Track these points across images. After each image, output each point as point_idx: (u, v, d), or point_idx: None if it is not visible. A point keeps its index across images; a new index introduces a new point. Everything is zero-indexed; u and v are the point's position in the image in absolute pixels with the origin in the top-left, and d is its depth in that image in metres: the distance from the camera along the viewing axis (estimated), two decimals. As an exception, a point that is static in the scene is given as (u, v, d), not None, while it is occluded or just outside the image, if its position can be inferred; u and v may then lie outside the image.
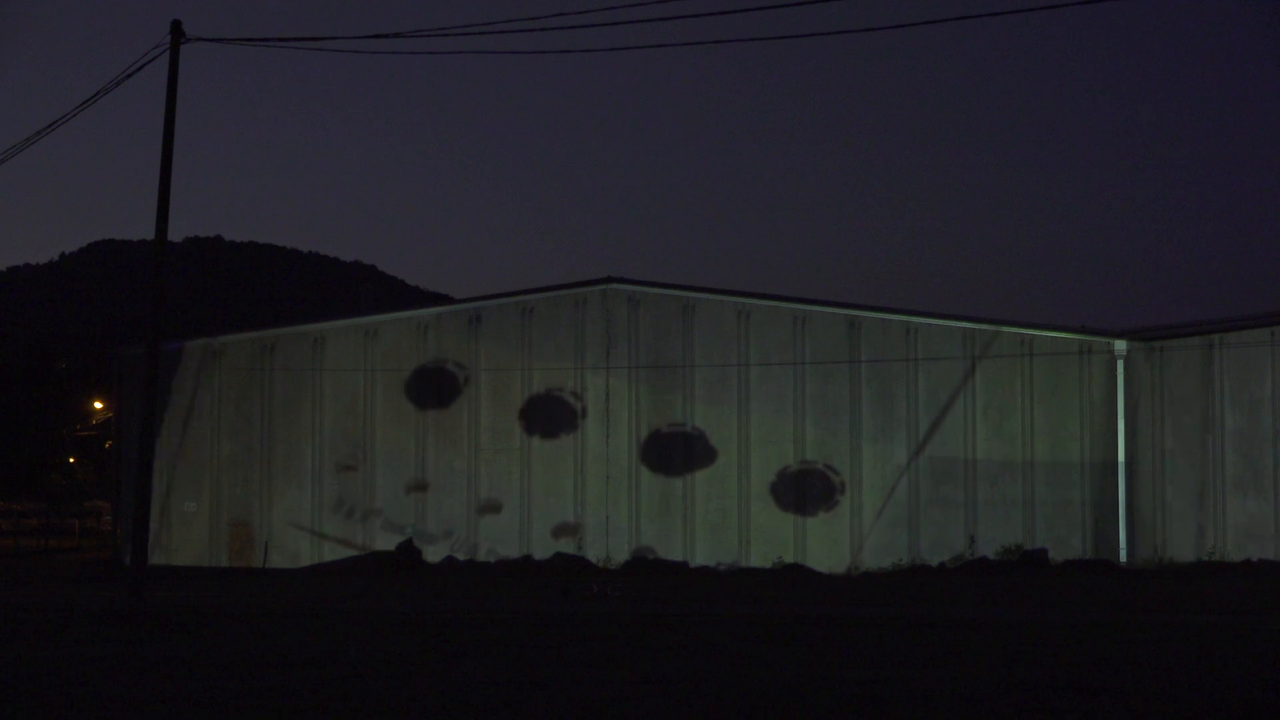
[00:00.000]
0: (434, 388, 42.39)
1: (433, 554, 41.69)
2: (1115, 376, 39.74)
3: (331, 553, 42.02)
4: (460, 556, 41.53)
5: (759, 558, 40.55)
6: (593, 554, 41.11)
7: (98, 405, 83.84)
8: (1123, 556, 39.08)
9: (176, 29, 28.04)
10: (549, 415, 41.87)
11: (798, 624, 22.54)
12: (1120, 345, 39.77)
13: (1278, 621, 22.82)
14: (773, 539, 40.59)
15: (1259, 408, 38.34)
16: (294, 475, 42.58)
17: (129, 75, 27.84)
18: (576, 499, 41.57)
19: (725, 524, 40.92)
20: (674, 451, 41.32)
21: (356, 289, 57.64)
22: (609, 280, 42.33)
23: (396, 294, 70.33)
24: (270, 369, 43.04)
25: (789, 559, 40.30)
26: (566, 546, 41.27)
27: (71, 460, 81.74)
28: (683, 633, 21.08)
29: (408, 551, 41.52)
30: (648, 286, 42.43)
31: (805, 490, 40.70)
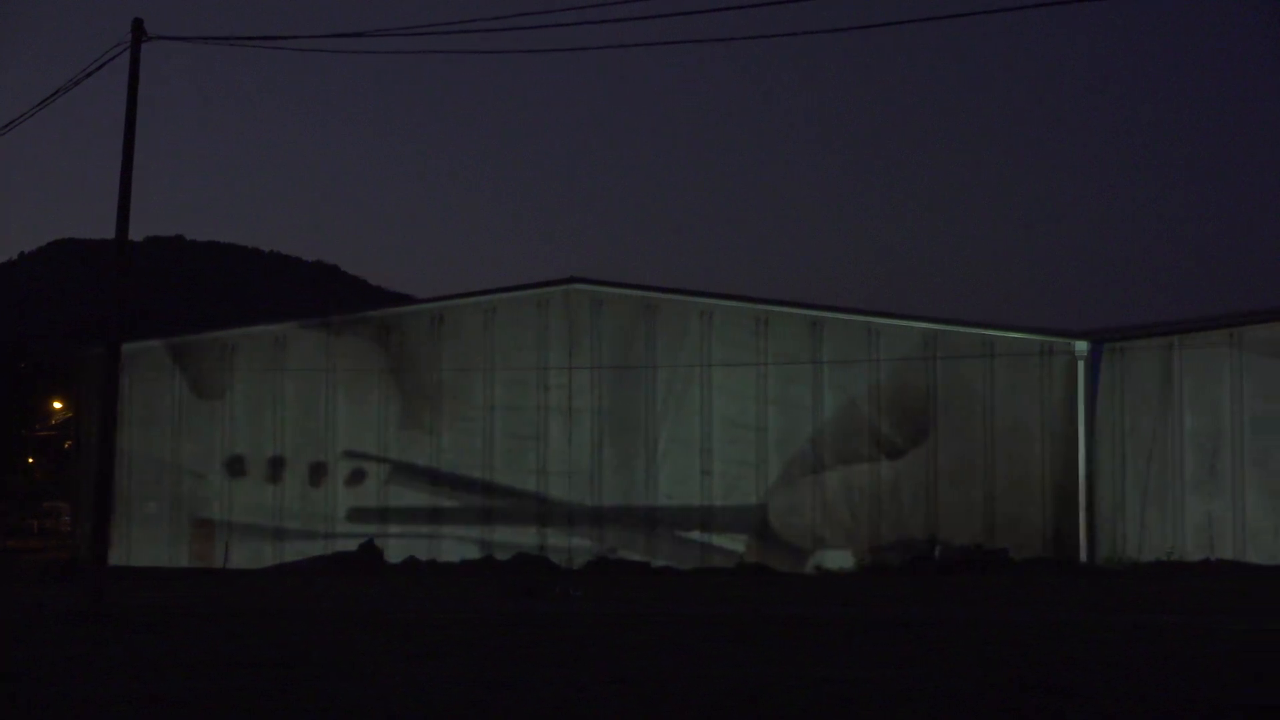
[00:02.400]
0: (398, 388, 42.31)
1: (395, 554, 41.60)
2: (1076, 377, 39.93)
3: (294, 553, 41.91)
4: (423, 557, 41.47)
5: (722, 558, 40.59)
6: (556, 554, 41.10)
7: (57, 405, 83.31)
8: (1083, 556, 39.26)
9: (138, 27, 27.91)
10: (512, 416, 41.83)
11: (763, 623, 22.59)
12: (1081, 346, 39.96)
13: (1238, 622, 22.97)
14: (735, 540, 40.64)
15: (1218, 409, 38.59)
16: (256, 475, 42.44)
17: (89, 74, 27.71)
18: (539, 499, 41.54)
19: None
20: (637, 451, 41.34)
21: (319, 289, 57.53)
22: (571, 281, 42.34)
23: (359, 294, 70.17)
24: (232, 369, 42.91)
25: (753, 560, 40.36)
26: (530, 547, 41.26)
27: (30, 460, 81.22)
28: (648, 632, 21.10)
29: (370, 551, 41.44)
30: (610, 287, 42.46)
31: (769, 491, 40.73)
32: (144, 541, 42.57)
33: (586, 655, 17.72)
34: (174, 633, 21.19)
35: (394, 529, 41.91)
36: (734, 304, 41.69)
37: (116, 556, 40.18)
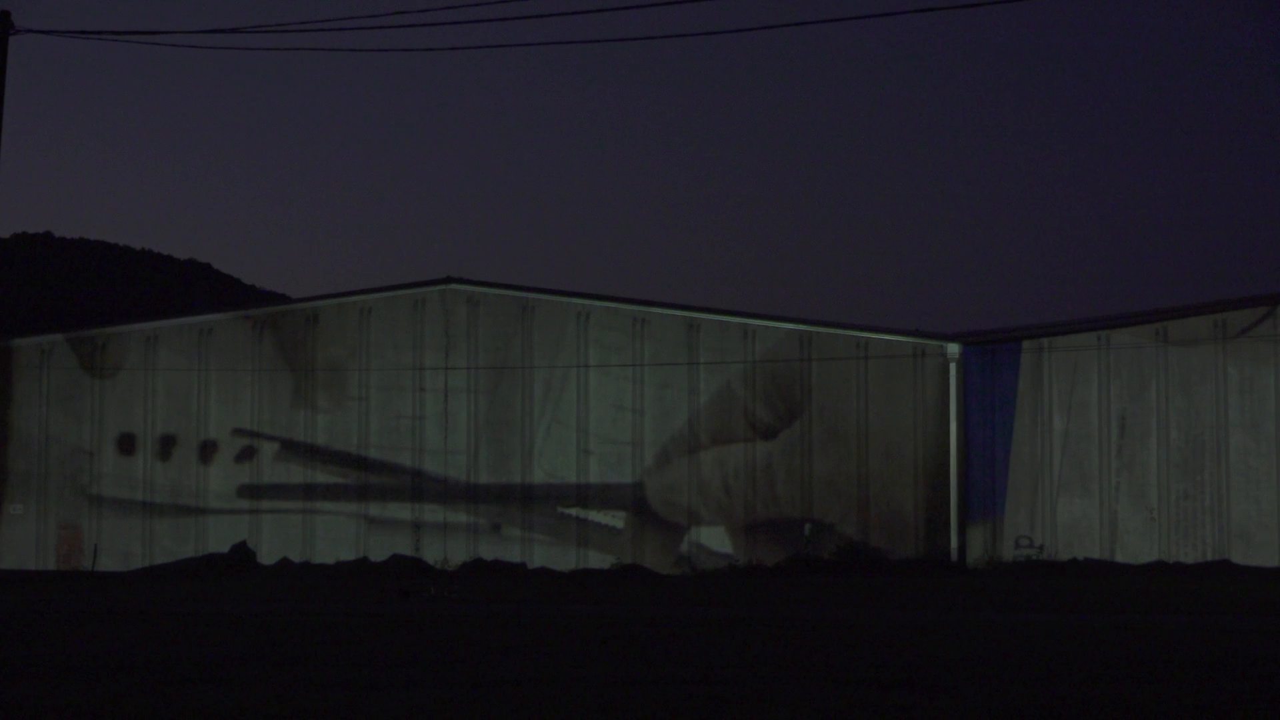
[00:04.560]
0: (271, 389, 41.92)
1: (267, 555, 41.22)
2: (948, 379, 40.38)
3: (164, 554, 41.40)
4: (295, 558, 41.12)
5: (597, 559, 40.61)
6: (431, 556, 40.91)
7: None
8: (954, 556, 39.71)
9: (5, 20, 27.41)
10: (387, 416, 41.59)
11: (636, 624, 22.62)
12: (953, 348, 40.41)
13: (1101, 619, 23.36)
14: (611, 541, 40.68)
15: (1086, 410, 39.22)
16: (125, 476, 41.87)
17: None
18: (414, 500, 41.33)
19: (563, 525, 40.93)
20: (512, 453, 41.25)
21: (191, 287, 56.87)
22: (448, 280, 42.17)
23: (232, 293, 69.38)
24: (102, 368, 42.31)
25: (627, 560, 40.42)
26: (404, 548, 41.03)
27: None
28: (521, 634, 21.06)
29: (242, 553, 41.05)
30: (487, 287, 42.34)
31: (647, 492, 40.80)
32: (10, 545, 41.83)
33: (458, 657, 17.65)
34: (37, 637, 20.82)
35: (267, 530, 41.50)
36: (611, 305, 41.74)
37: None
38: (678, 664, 16.75)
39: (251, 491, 41.67)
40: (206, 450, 41.86)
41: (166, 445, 42.00)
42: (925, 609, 25.79)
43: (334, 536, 41.48)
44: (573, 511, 40.98)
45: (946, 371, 40.42)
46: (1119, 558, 38.50)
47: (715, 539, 40.38)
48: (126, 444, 42.29)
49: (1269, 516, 38.27)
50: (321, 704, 13.42)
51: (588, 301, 41.79)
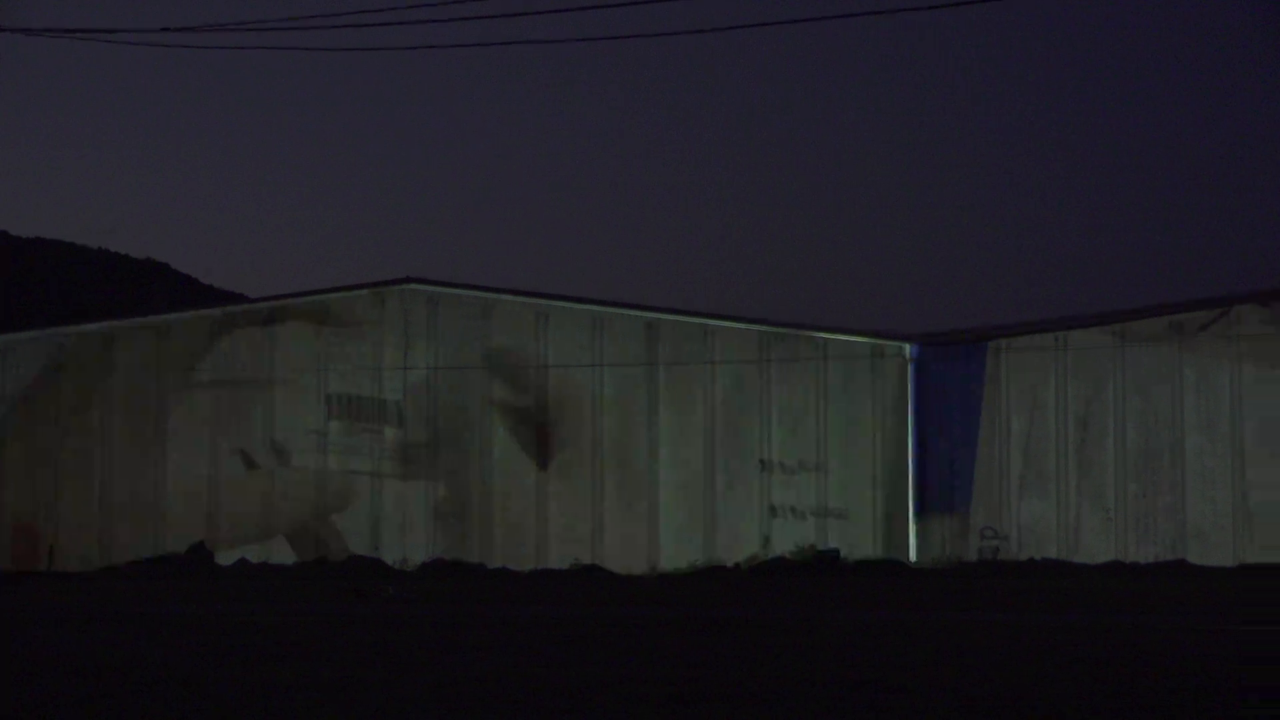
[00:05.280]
0: (230, 388, 41.77)
1: (225, 557, 41.08)
2: (906, 380, 40.56)
3: (121, 555, 41.20)
4: (253, 559, 41.01)
5: (557, 559, 40.62)
6: (389, 556, 40.85)
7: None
8: (913, 556, 39.91)
9: (-43, 18, 27.25)
10: (346, 416, 41.50)
11: (598, 624, 22.67)
12: (911, 349, 40.61)
13: (1057, 618, 23.53)
14: (571, 541, 40.70)
15: (1043, 411, 39.49)
16: (83, 477, 41.65)
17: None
18: (374, 501, 41.26)
19: (523, 525, 40.92)
20: (472, 453, 41.21)
21: (148, 287, 56.65)
22: (407, 280, 42.11)
23: (190, 293, 69.18)
24: (59, 368, 42.09)
25: (587, 560, 40.46)
26: (362, 548, 40.96)
27: None
28: (482, 634, 21.08)
29: (200, 554, 40.91)
30: (446, 287, 42.30)
31: (603, 493, 40.86)
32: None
33: (419, 659, 17.66)
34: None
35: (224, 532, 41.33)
36: (570, 305, 41.76)
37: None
38: (642, 664, 16.80)
39: (209, 491, 41.50)
40: (166, 450, 41.64)
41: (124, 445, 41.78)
42: (887, 609, 25.93)
43: (292, 538, 41.34)
44: (531, 512, 40.96)
45: (904, 372, 40.60)
46: (1076, 558, 38.76)
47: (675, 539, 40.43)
48: None
49: (1224, 516, 38.60)
50: (291, 704, 13.42)
51: (547, 302, 41.80)
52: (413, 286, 41.95)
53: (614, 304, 42.06)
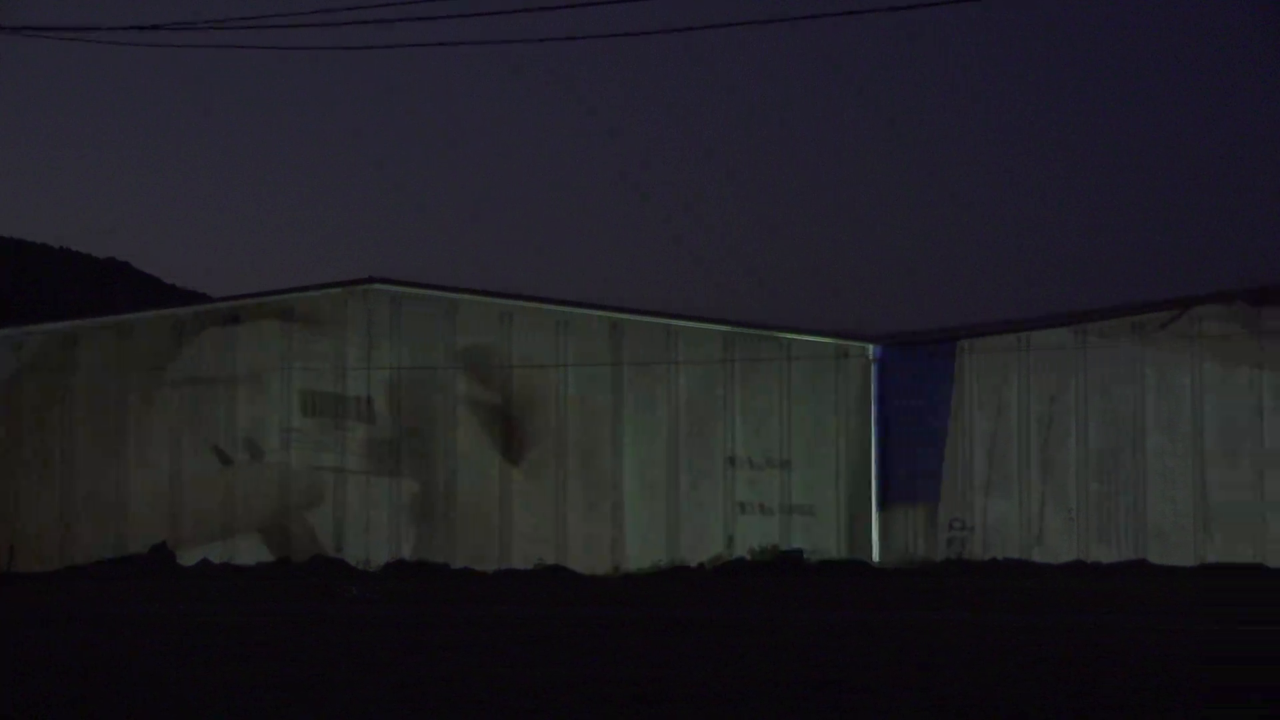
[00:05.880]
0: (194, 387, 41.63)
1: (187, 557, 40.92)
2: (870, 381, 40.66)
3: (83, 555, 40.99)
4: (215, 559, 40.86)
5: (520, 559, 40.58)
6: (352, 556, 40.76)
7: None
8: (876, 556, 40.01)
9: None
10: (313, 414, 41.40)
11: (562, 624, 22.69)
12: (875, 349, 40.70)
13: (1020, 618, 23.64)
14: (534, 541, 40.68)
15: (1005, 411, 39.65)
16: (44, 476, 41.45)
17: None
18: (336, 501, 41.18)
19: (488, 525, 40.88)
20: (435, 454, 41.15)
21: (111, 287, 56.43)
22: (371, 280, 42.02)
23: (154, 293, 68.89)
24: (19, 368, 41.88)
25: (550, 561, 40.43)
26: (326, 549, 40.85)
27: None
28: (446, 634, 21.08)
29: (162, 554, 40.74)
30: (410, 287, 42.22)
31: (567, 493, 40.85)
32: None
33: (384, 659, 17.65)
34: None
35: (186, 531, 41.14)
36: (535, 305, 41.72)
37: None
38: (606, 664, 16.83)
39: (173, 491, 41.36)
40: (129, 449, 41.47)
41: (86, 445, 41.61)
42: (851, 609, 26.01)
43: (254, 538, 41.22)
44: (496, 512, 40.92)
45: (868, 373, 40.71)
46: (1039, 558, 38.92)
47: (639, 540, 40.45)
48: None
49: (1184, 517, 38.81)
50: (256, 705, 13.41)
51: (511, 302, 41.73)
52: (377, 286, 41.87)
53: (578, 304, 42.04)
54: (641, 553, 40.59)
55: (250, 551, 41.12)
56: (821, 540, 40.25)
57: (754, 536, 40.30)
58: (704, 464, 40.67)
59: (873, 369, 40.66)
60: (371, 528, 41.10)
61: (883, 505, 40.20)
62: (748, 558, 39.85)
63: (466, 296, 41.94)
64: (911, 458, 40.17)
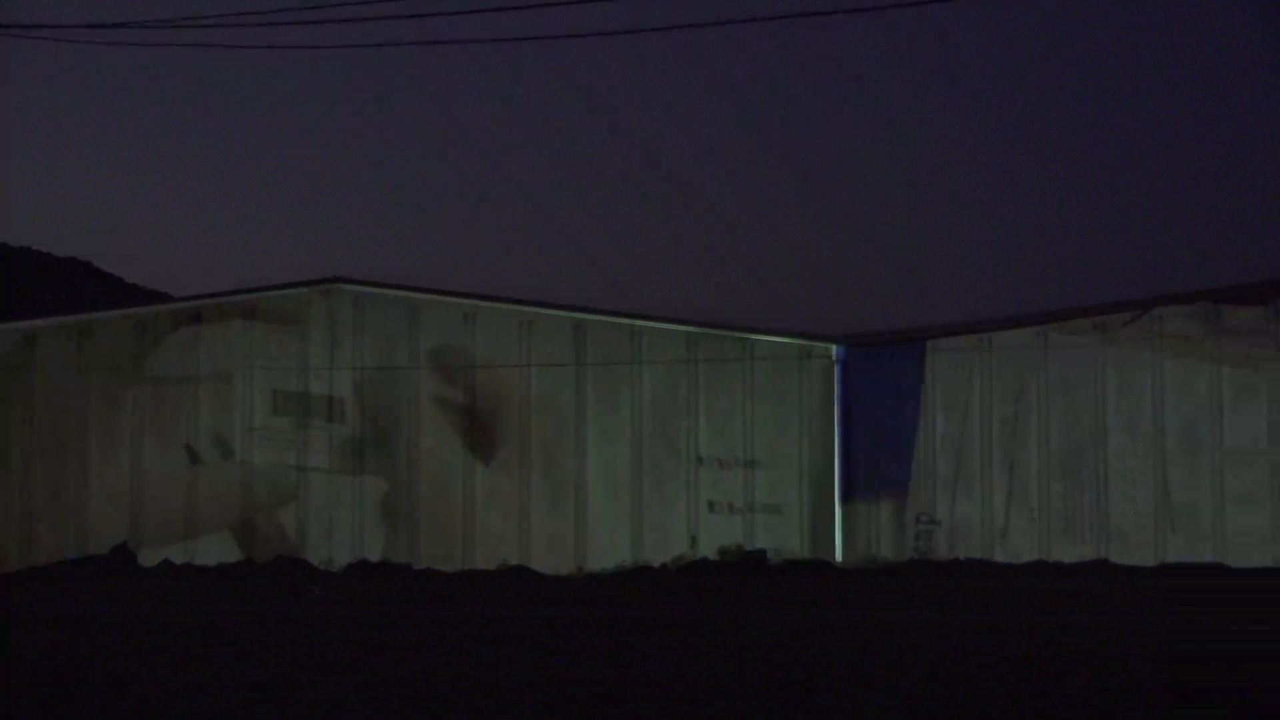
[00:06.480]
0: (152, 389, 41.47)
1: (148, 557, 40.76)
2: (833, 381, 40.75)
3: (44, 556, 40.80)
4: (177, 560, 40.71)
5: (484, 560, 40.54)
6: (315, 557, 40.65)
7: None
8: (839, 556, 40.10)
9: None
10: (275, 416, 41.29)
11: (526, 625, 22.69)
12: (838, 350, 40.79)
13: (983, 618, 23.74)
14: (499, 541, 40.64)
15: (969, 411, 39.79)
16: (3, 477, 41.23)
17: None
18: (299, 502, 41.08)
19: (449, 527, 40.82)
20: (399, 454, 41.09)
21: (71, 286, 56.15)
22: (334, 280, 41.91)
23: (116, 292, 68.51)
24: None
25: (514, 561, 40.40)
26: (288, 549, 40.74)
27: None
28: (410, 634, 21.07)
29: (123, 554, 40.57)
30: (373, 287, 42.13)
31: (531, 492, 40.83)
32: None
33: (348, 659, 17.63)
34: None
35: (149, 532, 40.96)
36: (498, 305, 41.67)
37: None
38: (570, 664, 16.84)
39: (132, 491, 41.18)
40: (90, 449, 41.30)
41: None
42: (815, 609, 26.07)
43: (216, 538, 41.08)
44: (460, 512, 40.88)
45: (831, 373, 40.80)
46: (1001, 557, 39.07)
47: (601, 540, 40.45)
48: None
49: (1145, 517, 39.02)
50: (220, 704, 13.38)
51: (474, 303, 41.68)
52: (341, 286, 41.78)
53: (542, 304, 42.02)
54: (605, 553, 40.60)
55: (213, 551, 40.95)
56: (785, 540, 40.31)
57: (718, 536, 40.32)
58: (668, 464, 40.71)
59: (836, 369, 40.74)
60: (336, 527, 41.00)
61: (846, 505, 40.29)
62: (711, 557, 39.88)
63: (430, 296, 41.87)
64: (874, 458, 40.26)
